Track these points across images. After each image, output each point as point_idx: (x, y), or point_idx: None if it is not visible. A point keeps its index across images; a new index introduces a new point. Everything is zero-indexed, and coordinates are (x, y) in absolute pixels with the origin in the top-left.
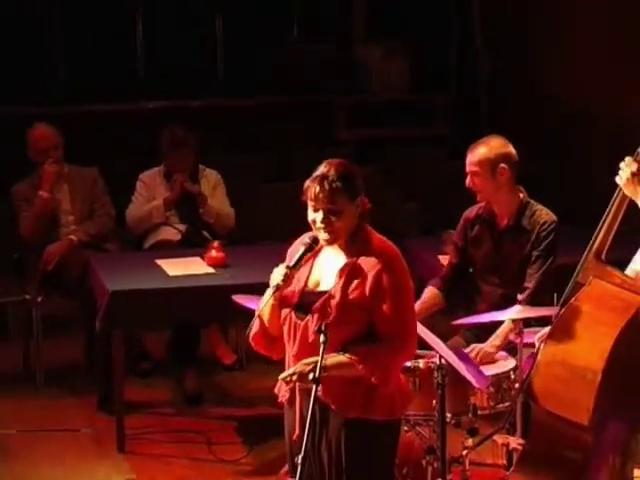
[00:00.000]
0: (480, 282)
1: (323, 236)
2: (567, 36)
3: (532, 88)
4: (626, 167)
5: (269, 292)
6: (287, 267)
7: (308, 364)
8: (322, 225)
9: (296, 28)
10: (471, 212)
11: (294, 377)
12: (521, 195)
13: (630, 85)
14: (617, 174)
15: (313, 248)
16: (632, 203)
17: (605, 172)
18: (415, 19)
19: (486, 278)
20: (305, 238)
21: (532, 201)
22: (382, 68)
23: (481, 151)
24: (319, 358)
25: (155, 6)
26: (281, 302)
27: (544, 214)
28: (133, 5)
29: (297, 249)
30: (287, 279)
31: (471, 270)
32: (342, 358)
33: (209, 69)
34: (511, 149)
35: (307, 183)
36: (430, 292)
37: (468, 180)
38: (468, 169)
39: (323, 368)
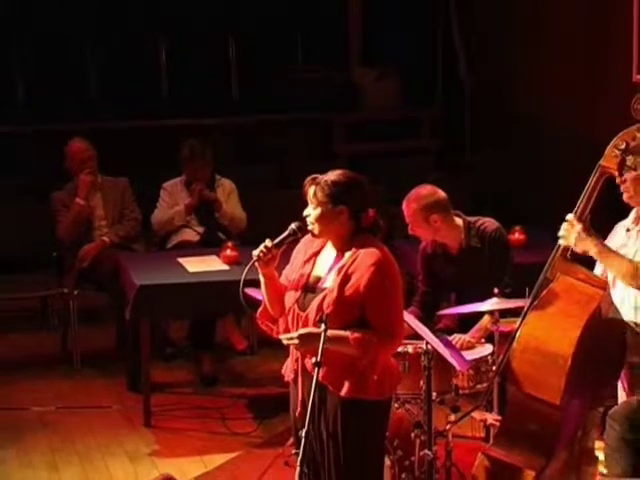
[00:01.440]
0: (457, 296)
1: (309, 226)
2: (541, 60)
3: (507, 106)
4: (572, 228)
5: (250, 262)
6: (269, 241)
7: (310, 333)
8: (306, 215)
9: (300, 53)
10: (426, 247)
11: (295, 340)
12: (460, 221)
13: (597, 106)
14: (581, 186)
15: (297, 233)
16: (598, 203)
17: (571, 182)
18: (405, 45)
19: (460, 294)
20: (292, 224)
21: (471, 219)
22: (375, 88)
23: (412, 206)
24: (321, 342)
25: (176, 35)
26: (273, 283)
27: (487, 225)
28: (157, 34)
29: (301, 247)
30: (267, 252)
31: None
32: (343, 333)
33: (224, 90)
34: (438, 195)
35: (305, 181)
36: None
37: (409, 229)
38: (406, 221)
39: (326, 339)
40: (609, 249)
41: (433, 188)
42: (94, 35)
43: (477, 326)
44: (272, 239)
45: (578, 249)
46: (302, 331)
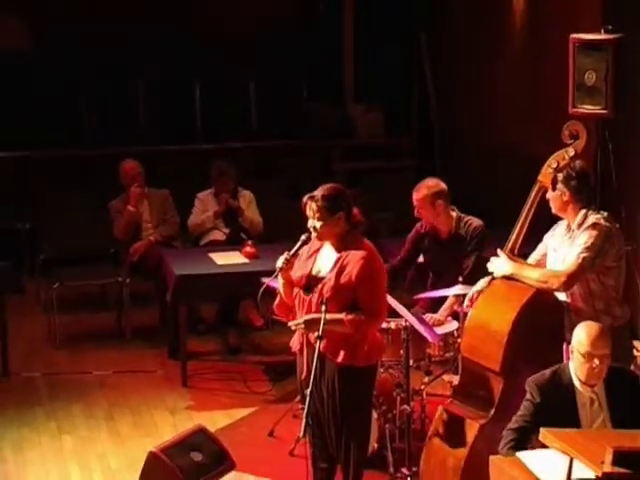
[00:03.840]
0: (434, 277)
1: (313, 235)
2: (495, 98)
3: (470, 135)
4: (497, 259)
5: (276, 272)
6: (287, 254)
7: (313, 318)
8: (311, 228)
9: (305, 92)
10: (420, 228)
11: (301, 325)
12: (454, 214)
13: (541, 134)
14: (526, 197)
15: (306, 242)
16: (538, 211)
17: (520, 191)
18: (388, 85)
19: (438, 274)
20: (302, 236)
21: (462, 215)
22: (365, 119)
23: (422, 192)
24: (322, 320)
25: (209, 76)
26: (290, 282)
27: (474, 222)
28: (193, 76)
29: (305, 247)
30: (287, 263)
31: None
32: (339, 315)
33: (245, 121)
34: (443, 186)
35: (304, 200)
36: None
37: (415, 211)
38: (415, 204)
39: (325, 321)
40: (522, 267)
41: (439, 180)
42: (146, 80)
43: (444, 306)
44: (288, 249)
45: (499, 274)
46: (306, 317)
